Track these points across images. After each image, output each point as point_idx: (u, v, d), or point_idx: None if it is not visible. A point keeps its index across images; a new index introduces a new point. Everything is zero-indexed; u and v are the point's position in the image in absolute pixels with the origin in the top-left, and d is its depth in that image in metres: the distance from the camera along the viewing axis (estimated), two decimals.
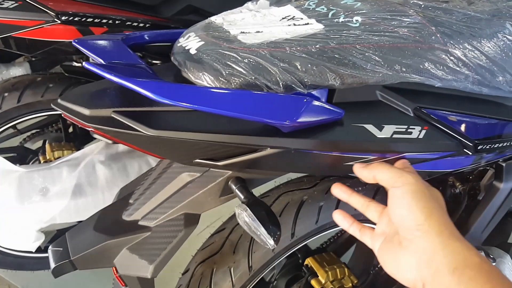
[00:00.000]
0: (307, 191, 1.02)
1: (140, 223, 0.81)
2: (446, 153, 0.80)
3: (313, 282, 1.12)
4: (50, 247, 0.83)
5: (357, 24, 0.74)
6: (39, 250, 1.54)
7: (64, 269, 0.81)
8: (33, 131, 1.80)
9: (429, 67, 0.74)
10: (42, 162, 1.64)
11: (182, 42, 0.73)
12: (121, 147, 1.46)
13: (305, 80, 0.67)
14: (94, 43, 0.71)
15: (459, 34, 0.78)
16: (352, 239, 1.37)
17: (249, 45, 0.68)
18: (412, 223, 0.60)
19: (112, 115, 0.63)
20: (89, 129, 0.64)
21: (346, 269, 1.14)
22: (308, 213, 0.99)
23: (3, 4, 1.26)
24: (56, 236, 1.69)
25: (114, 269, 0.83)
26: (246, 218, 0.72)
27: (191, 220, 0.80)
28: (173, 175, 0.80)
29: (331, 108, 0.68)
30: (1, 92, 1.50)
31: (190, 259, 1.03)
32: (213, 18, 0.78)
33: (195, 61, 0.68)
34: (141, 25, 1.39)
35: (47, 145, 1.66)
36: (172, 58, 0.73)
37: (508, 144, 0.91)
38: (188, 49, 0.70)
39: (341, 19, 0.75)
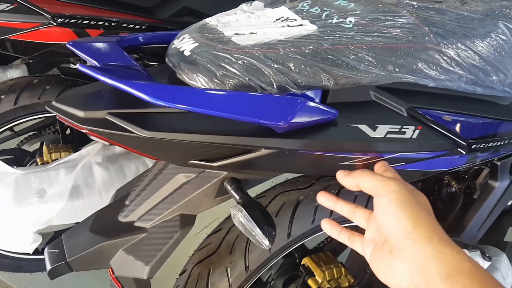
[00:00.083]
0: (303, 191, 1.02)
1: (136, 224, 0.82)
2: (440, 152, 0.80)
3: (310, 281, 1.12)
4: (46, 249, 0.84)
5: (351, 25, 0.74)
6: (36, 252, 1.54)
7: (60, 271, 0.82)
8: (31, 133, 1.80)
9: (423, 67, 0.75)
10: (39, 164, 1.64)
11: (177, 43, 0.74)
12: (118, 148, 1.47)
13: (299, 81, 0.67)
14: (89, 45, 0.71)
15: (452, 34, 0.78)
16: None
17: (243, 46, 0.68)
18: (400, 232, 0.60)
19: (107, 117, 0.63)
20: (84, 131, 0.64)
21: (342, 269, 1.15)
22: (304, 213, 0.99)
23: None
24: (54, 237, 1.70)
25: (110, 270, 0.83)
26: (241, 218, 0.72)
27: (187, 221, 0.80)
28: (169, 176, 0.80)
29: (325, 109, 0.68)
30: None
31: (187, 259, 1.03)
32: (207, 20, 0.79)
33: (189, 62, 0.68)
34: (137, 27, 1.39)
35: (44, 147, 1.66)
36: (166, 59, 0.73)
37: (502, 143, 0.92)
38: (183, 51, 0.70)
39: (335, 20, 0.75)
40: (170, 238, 0.79)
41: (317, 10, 0.79)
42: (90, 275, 1.74)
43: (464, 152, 0.82)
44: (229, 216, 1.01)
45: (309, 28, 0.73)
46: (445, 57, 0.77)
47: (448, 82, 0.79)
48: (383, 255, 0.63)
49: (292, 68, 0.67)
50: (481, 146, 0.85)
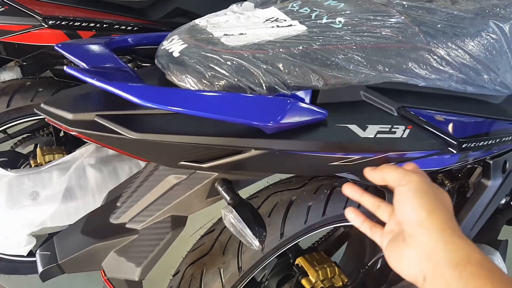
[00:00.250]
0: (296, 191, 1.02)
1: (127, 226, 0.82)
2: (431, 152, 0.81)
3: (303, 281, 1.12)
4: (37, 251, 0.84)
5: (340, 25, 0.74)
6: (31, 254, 1.53)
7: (52, 273, 0.81)
8: (24, 136, 1.79)
9: (413, 67, 0.75)
10: (33, 166, 1.63)
11: (166, 45, 0.74)
12: (111, 150, 1.46)
13: (288, 81, 0.67)
14: (77, 47, 0.71)
15: (442, 33, 0.78)
16: (342, 239, 1.37)
17: (232, 47, 0.68)
18: (415, 219, 0.61)
19: (95, 119, 0.63)
20: (72, 133, 0.64)
21: (336, 268, 1.15)
22: (297, 213, 0.99)
23: None
24: (48, 240, 1.69)
25: (102, 272, 0.83)
26: (231, 219, 0.72)
27: (178, 222, 0.80)
28: (160, 177, 0.80)
29: (315, 109, 0.68)
30: None
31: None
32: (197, 21, 0.79)
33: (178, 64, 0.68)
34: (129, 28, 1.38)
35: (38, 149, 1.66)
36: (156, 61, 0.73)
37: (493, 142, 0.92)
38: (171, 52, 0.70)
39: (324, 20, 0.75)
40: (161, 239, 0.79)
41: (306, 10, 0.79)
42: (85, 276, 1.74)
43: (455, 151, 0.82)
44: None
45: (298, 28, 0.73)
46: (435, 57, 0.77)
47: (438, 81, 0.79)
48: (397, 244, 0.65)
49: (281, 68, 0.67)
50: (472, 145, 0.85)
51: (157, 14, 1.43)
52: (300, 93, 0.72)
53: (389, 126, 0.74)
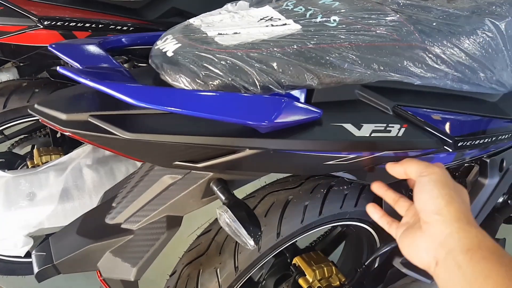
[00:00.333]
0: (292, 190, 1.02)
1: (122, 226, 0.81)
2: (427, 150, 0.80)
3: (300, 281, 1.12)
4: (33, 252, 0.84)
5: (335, 24, 0.74)
6: (28, 255, 1.53)
7: (48, 274, 0.81)
8: (21, 136, 1.79)
9: (408, 65, 0.75)
10: (30, 167, 1.63)
11: (160, 44, 0.73)
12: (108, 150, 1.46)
13: (283, 80, 0.67)
14: (71, 47, 0.71)
15: (437, 31, 0.78)
16: (340, 238, 1.37)
17: (226, 46, 0.68)
18: (433, 208, 0.64)
19: (89, 119, 0.63)
20: (66, 133, 0.64)
21: (333, 268, 1.15)
22: (294, 212, 0.99)
23: None
24: (45, 240, 1.68)
25: (98, 272, 0.83)
26: (227, 219, 0.72)
27: (173, 222, 0.80)
28: (155, 177, 0.80)
29: (309, 108, 0.68)
30: None
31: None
32: (191, 20, 0.79)
33: (172, 63, 0.68)
34: (125, 28, 1.38)
35: (34, 150, 1.65)
36: (150, 61, 0.73)
37: (489, 140, 0.92)
38: (165, 52, 0.70)
39: (319, 19, 0.75)
40: (156, 239, 0.79)
41: (301, 9, 0.79)
42: (83, 276, 1.73)
43: (450, 150, 0.82)
44: None
45: (293, 27, 0.73)
46: (430, 55, 0.77)
47: (434, 80, 0.79)
48: (412, 232, 0.68)
49: (276, 68, 0.67)
50: (468, 144, 0.85)
51: (153, 14, 1.43)
52: (295, 92, 0.72)
53: (384, 125, 0.74)
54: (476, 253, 0.58)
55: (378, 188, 0.81)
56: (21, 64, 1.79)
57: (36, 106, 0.65)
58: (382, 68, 0.72)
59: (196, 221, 1.09)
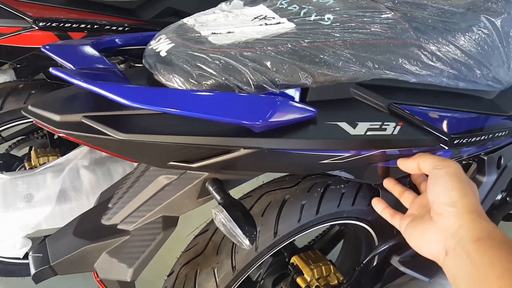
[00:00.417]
0: (289, 190, 1.02)
1: (119, 227, 0.81)
2: (423, 148, 0.80)
3: (298, 280, 1.12)
4: (30, 253, 0.84)
5: (329, 22, 0.74)
6: (27, 256, 1.53)
7: (45, 275, 0.81)
8: (19, 138, 1.78)
9: (403, 63, 0.74)
10: (27, 168, 1.63)
11: (153, 44, 0.73)
12: None
13: (277, 79, 0.67)
14: (64, 48, 0.71)
15: (432, 29, 0.78)
16: (338, 237, 1.37)
17: (219, 46, 0.68)
18: (447, 199, 0.65)
19: (83, 120, 0.63)
20: (60, 134, 0.64)
21: (331, 266, 1.15)
22: (291, 212, 0.99)
23: None
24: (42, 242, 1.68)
25: (95, 273, 0.83)
26: (222, 219, 0.71)
27: (169, 222, 0.80)
28: (151, 178, 0.80)
29: (303, 107, 0.68)
30: None
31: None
32: (185, 20, 0.78)
33: (165, 63, 0.67)
34: (121, 29, 1.37)
35: (32, 152, 1.65)
36: (143, 61, 0.73)
37: (486, 138, 0.91)
38: (159, 52, 0.70)
39: (313, 18, 0.75)
40: (152, 240, 0.79)
41: (295, 7, 0.78)
42: (81, 277, 1.73)
43: (446, 148, 0.82)
44: None
45: (287, 26, 0.73)
46: (425, 53, 0.76)
47: (429, 77, 0.78)
48: (421, 223, 0.69)
49: (269, 66, 0.66)
50: (464, 141, 0.85)
51: (148, 14, 1.43)
52: (289, 91, 0.71)
53: (380, 123, 0.74)
54: (485, 242, 0.60)
55: (388, 182, 0.85)
56: (18, 66, 1.78)
57: (29, 107, 0.65)
58: (377, 66, 0.72)
59: (194, 221, 1.09)
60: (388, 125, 0.75)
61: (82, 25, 1.33)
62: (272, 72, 0.66)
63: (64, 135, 0.64)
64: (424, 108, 0.81)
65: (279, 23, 0.74)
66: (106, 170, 1.45)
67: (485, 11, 0.84)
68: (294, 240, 1.12)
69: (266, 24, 0.74)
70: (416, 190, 0.80)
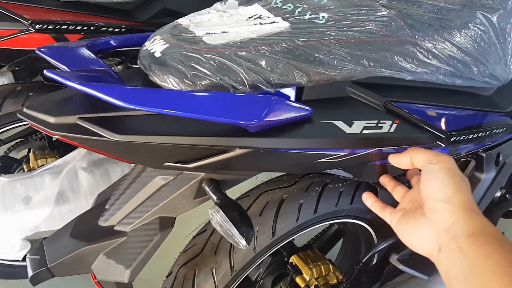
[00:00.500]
0: (287, 189, 1.02)
1: (116, 228, 0.81)
2: (419, 146, 0.80)
3: (297, 279, 1.12)
4: (27, 256, 0.83)
5: (323, 21, 0.73)
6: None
7: (42, 277, 0.81)
8: (17, 140, 1.79)
9: (399, 61, 0.74)
10: (26, 170, 1.63)
11: (148, 45, 0.73)
12: None
13: (271, 79, 0.67)
14: (58, 50, 0.70)
15: (428, 26, 0.78)
16: (337, 236, 1.37)
17: (213, 46, 0.68)
18: (442, 195, 0.65)
19: (78, 122, 0.63)
20: (56, 137, 0.64)
21: (330, 266, 1.15)
22: (289, 211, 0.99)
23: None
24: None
25: (92, 275, 0.83)
26: (218, 219, 0.71)
27: (166, 223, 0.80)
28: (147, 179, 0.80)
29: (299, 106, 0.68)
30: None
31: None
32: (179, 20, 0.78)
33: (160, 64, 0.67)
34: (117, 30, 1.38)
35: (30, 154, 1.65)
36: (138, 62, 0.73)
37: (483, 134, 0.91)
38: (153, 53, 0.70)
39: (307, 16, 0.74)
40: (150, 241, 0.79)
41: (290, 6, 0.78)
42: (81, 278, 1.73)
43: (443, 145, 0.81)
44: None
45: (281, 25, 0.73)
46: (421, 50, 0.76)
47: (426, 75, 0.78)
48: (413, 218, 0.69)
49: (264, 66, 0.66)
50: (461, 139, 0.85)
51: (145, 15, 1.43)
52: (285, 91, 0.71)
53: (376, 121, 0.74)
54: (478, 238, 0.59)
55: (383, 177, 0.85)
56: (16, 68, 1.78)
57: (24, 110, 0.65)
58: (372, 64, 0.72)
59: (193, 222, 1.09)
60: (384, 123, 0.75)
61: (79, 27, 1.33)
62: (266, 71, 0.66)
63: (59, 137, 0.64)
64: (420, 105, 0.81)
65: (274, 22, 0.74)
66: (104, 171, 1.45)
67: (481, 7, 0.84)
68: (293, 239, 1.12)
69: (260, 23, 0.74)
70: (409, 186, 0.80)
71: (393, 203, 0.79)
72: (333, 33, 0.71)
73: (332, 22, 0.73)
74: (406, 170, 0.80)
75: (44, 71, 0.60)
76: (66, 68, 0.67)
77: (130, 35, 0.86)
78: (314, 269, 1.11)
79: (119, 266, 0.79)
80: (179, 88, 0.65)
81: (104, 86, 0.59)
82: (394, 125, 0.75)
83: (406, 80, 0.77)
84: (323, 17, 0.74)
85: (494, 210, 1.36)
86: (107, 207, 0.84)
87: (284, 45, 0.68)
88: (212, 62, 0.65)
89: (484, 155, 1.07)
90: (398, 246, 1.15)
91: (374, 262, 1.22)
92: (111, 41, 0.81)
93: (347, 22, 0.74)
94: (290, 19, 0.74)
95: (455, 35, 0.79)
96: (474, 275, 0.57)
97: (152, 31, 0.81)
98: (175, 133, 0.64)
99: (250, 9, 0.79)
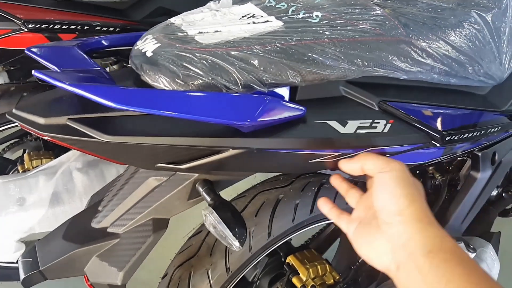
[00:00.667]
0: (283, 189, 1.01)
1: (109, 230, 0.80)
2: (414, 146, 0.79)
3: (294, 280, 1.11)
4: (19, 258, 0.82)
5: (317, 20, 0.73)
6: None
7: (34, 280, 0.80)
8: (12, 141, 1.78)
9: (393, 60, 0.74)
10: (20, 171, 1.62)
11: (140, 45, 0.72)
12: None
13: (265, 79, 0.66)
14: (48, 50, 0.70)
15: (422, 25, 0.77)
16: (334, 236, 1.36)
17: (205, 45, 0.67)
18: (395, 208, 0.62)
19: (67, 123, 0.62)
20: (45, 138, 0.63)
21: (327, 266, 1.14)
22: (284, 211, 0.98)
23: None
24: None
25: (85, 277, 0.82)
26: (212, 220, 0.71)
27: (159, 225, 0.79)
28: (140, 180, 0.79)
29: (292, 106, 0.67)
30: None
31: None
32: (172, 19, 0.77)
33: (151, 63, 0.67)
34: (111, 29, 1.37)
35: (25, 155, 1.65)
36: (130, 61, 0.72)
37: (479, 134, 0.91)
38: (145, 52, 0.69)
39: (301, 15, 0.74)
40: (143, 243, 0.78)
41: (284, 5, 0.77)
42: (79, 280, 1.73)
43: (438, 145, 0.81)
44: None
45: (275, 24, 0.72)
46: (415, 49, 0.76)
47: (420, 74, 0.78)
48: (369, 231, 0.65)
49: (257, 65, 0.66)
50: (456, 138, 0.84)
51: (139, 14, 1.42)
52: (278, 90, 0.70)
53: (370, 121, 0.73)
54: (437, 256, 0.57)
55: (334, 179, 0.80)
56: (11, 68, 1.78)
57: (14, 111, 0.64)
58: (366, 64, 0.71)
59: (191, 222, 1.08)
60: (379, 122, 0.74)
61: (72, 27, 1.32)
62: (259, 71, 0.66)
63: (49, 138, 0.63)
64: (415, 105, 0.81)
65: (267, 21, 0.73)
66: (99, 172, 1.45)
67: (476, 6, 0.84)
68: (290, 239, 1.11)
69: (254, 22, 0.73)
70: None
71: None
72: (327, 32, 0.71)
73: (326, 21, 0.72)
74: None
75: (33, 71, 0.59)
76: (56, 68, 0.66)
77: (123, 35, 0.85)
78: (310, 269, 1.10)
79: (112, 269, 0.78)
80: (171, 88, 0.64)
81: (94, 86, 0.58)
82: (389, 125, 0.75)
83: (401, 80, 0.77)
84: (317, 16, 0.73)
85: (490, 209, 1.36)
86: (100, 208, 0.83)
87: (278, 44, 0.68)
88: (204, 62, 0.65)
89: (479, 154, 1.07)
90: None
91: None
92: (103, 41, 0.80)
93: (341, 21, 0.73)
94: (283, 18, 0.73)
95: (449, 34, 0.79)
96: None
97: (147, 30, 0.80)
98: (166, 134, 0.63)
99: (243, 8, 0.78)
